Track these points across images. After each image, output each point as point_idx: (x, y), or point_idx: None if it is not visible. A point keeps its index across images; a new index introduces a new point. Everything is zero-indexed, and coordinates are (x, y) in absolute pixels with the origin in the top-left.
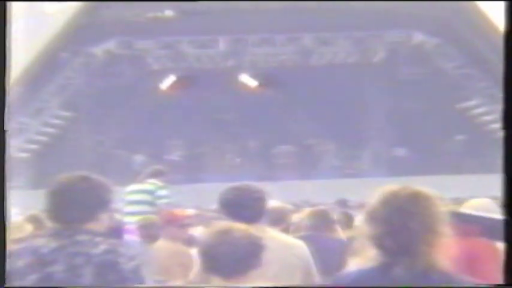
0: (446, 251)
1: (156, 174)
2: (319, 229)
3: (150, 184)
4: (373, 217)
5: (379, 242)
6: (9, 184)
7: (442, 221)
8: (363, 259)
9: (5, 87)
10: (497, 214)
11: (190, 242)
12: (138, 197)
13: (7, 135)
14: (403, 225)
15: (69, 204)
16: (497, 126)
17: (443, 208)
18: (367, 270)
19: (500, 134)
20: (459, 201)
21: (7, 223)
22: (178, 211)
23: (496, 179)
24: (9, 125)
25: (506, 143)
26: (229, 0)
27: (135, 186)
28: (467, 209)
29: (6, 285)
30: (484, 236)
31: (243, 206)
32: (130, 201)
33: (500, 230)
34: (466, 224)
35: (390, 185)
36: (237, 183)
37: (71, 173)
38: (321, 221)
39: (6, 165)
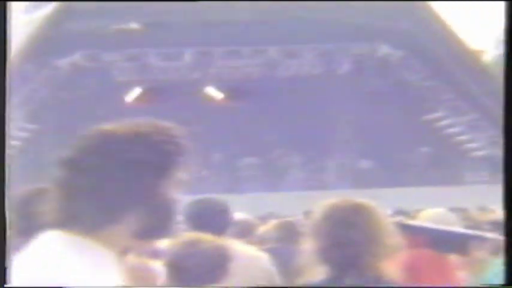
0: (394, 261)
1: None
2: (285, 241)
3: None
4: (317, 231)
5: (325, 255)
6: (9, 184)
7: (386, 232)
8: (312, 273)
9: (5, 87)
10: (451, 224)
11: (155, 254)
12: None
13: (7, 135)
14: (347, 238)
15: (30, 216)
16: (462, 138)
17: (387, 219)
18: (316, 284)
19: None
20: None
21: (7, 223)
22: None
23: (460, 190)
24: (10, 126)
25: (506, 143)
26: (225, 0)
27: None
28: (423, 219)
29: (6, 285)
30: (430, 247)
31: (208, 218)
32: None
33: (448, 240)
34: (413, 235)
35: (331, 199)
36: (201, 196)
37: (31, 185)
38: (287, 233)
39: (6, 165)
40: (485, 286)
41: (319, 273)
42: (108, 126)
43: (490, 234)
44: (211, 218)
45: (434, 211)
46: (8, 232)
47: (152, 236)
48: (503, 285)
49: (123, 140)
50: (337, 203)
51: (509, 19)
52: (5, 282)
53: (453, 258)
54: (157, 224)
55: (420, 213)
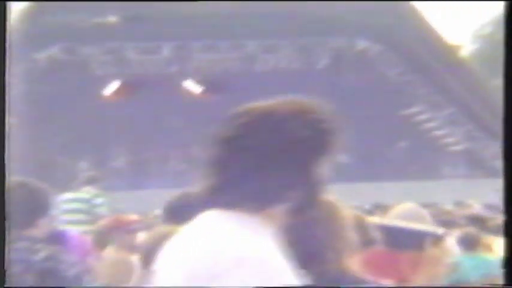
0: (356, 257)
1: (90, 181)
2: None
3: (86, 192)
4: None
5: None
6: (8, 183)
7: (348, 227)
8: None
9: (5, 87)
10: (422, 219)
11: (135, 247)
12: (73, 205)
13: (7, 134)
14: (308, 233)
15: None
16: (439, 133)
17: (350, 215)
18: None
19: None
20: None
21: (7, 223)
22: (125, 216)
23: (437, 185)
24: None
25: (506, 143)
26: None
27: (69, 194)
28: (394, 215)
29: (6, 285)
30: (384, 245)
31: (186, 211)
32: (66, 210)
33: (402, 237)
34: (390, 235)
35: None
36: (181, 190)
37: (7, 179)
38: None
39: (6, 165)
40: (485, 286)
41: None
42: (265, 104)
43: (443, 230)
44: (190, 211)
45: (403, 206)
46: (8, 232)
47: (305, 214)
48: (503, 285)
49: (284, 118)
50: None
51: (509, 19)
52: (4, 282)
53: (408, 255)
54: (312, 202)
55: (390, 210)
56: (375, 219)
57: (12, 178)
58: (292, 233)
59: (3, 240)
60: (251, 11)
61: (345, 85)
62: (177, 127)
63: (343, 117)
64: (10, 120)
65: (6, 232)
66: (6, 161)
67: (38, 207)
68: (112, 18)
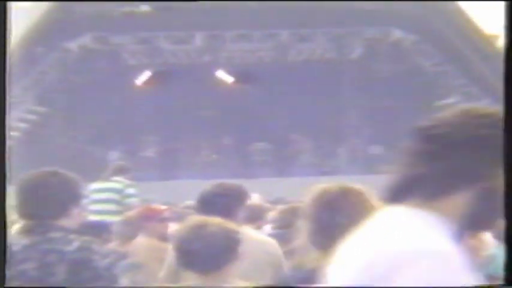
0: None
1: (120, 171)
2: (291, 226)
3: (117, 182)
4: (306, 214)
5: (312, 238)
6: (9, 184)
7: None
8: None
9: (5, 87)
10: None
11: (167, 237)
12: (105, 195)
13: (7, 132)
14: (333, 221)
15: (40, 200)
16: None
17: (377, 204)
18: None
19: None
20: None
21: (7, 223)
22: (156, 206)
23: None
24: (10, 123)
25: (506, 143)
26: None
27: (100, 184)
28: None
29: (6, 285)
30: None
31: (220, 202)
32: (97, 199)
33: None
34: None
35: (322, 183)
36: (216, 181)
37: (40, 168)
38: (293, 218)
39: (6, 165)
40: (485, 286)
41: (310, 260)
42: (467, 107)
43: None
44: (223, 202)
45: None
46: (8, 233)
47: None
48: (503, 285)
49: (480, 120)
50: (326, 187)
51: (509, 19)
52: (4, 282)
53: None
54: (488, 207)
55: None
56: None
57: (45, 168)
58: (318, 221)
59: (3, 240)
60: (284, 1)
61: (379, 76)
62: (208, 117)
63: (377, 108)
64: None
65: (7, 232)
66: (6, 161)
67: (70, 197)
68: (144, 8)
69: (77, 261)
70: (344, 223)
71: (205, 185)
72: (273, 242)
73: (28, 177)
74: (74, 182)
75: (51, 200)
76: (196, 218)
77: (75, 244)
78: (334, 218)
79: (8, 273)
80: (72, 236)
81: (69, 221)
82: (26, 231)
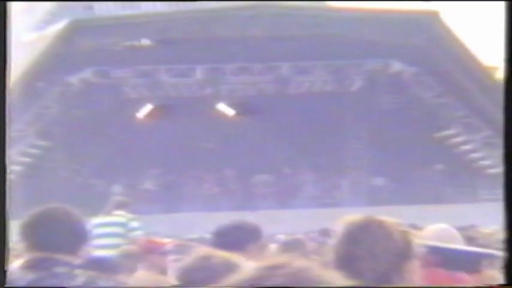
0: (415, 275)
1: (120, 206)
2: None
3: (121, 216)
4: (336, 248)
5: (347, 271)
6: (9, 185)
7: (408, 247)
8: None
9: (5, 87)
10: (454, 240)
11: (167, 271)
12: (110, 229)
13: (7, 136)
14: (369, 253)
15: (46, 237)
16: (475, 156)
17: (408, 235)
18: None
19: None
20: None
21: (7, 224)
22: (157, 239)
23: (474, 208)
24: (10, 125)
25: (506, 143)
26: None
27: (104, 218)
28: (425, 235)
29: (6, 285)
30: (441, 267)
31: (235, 237)
32: (101, 234)
33: (459, 259)
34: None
35: (352, 215)
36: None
37: (48, 205)
38: (295, 251)
39: (6, 166)
40: (485, 286)
41: None
42: None
43: (500, 252)
44: (239, 238)
45: (436, 227)
46: (8, 233)
47: None
48: (503, 285)
49: None
50: (357, 220)
51: (509, 19)
52: (4, 283)
53: (464, 277)
54: None
55: (423, 230)
56: (431, 242)
57: (51, 204)
58: (353, 253)
59: (3, 240)
60: (285, 33)
61: (379, 107)
62: (210, 150)
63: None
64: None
65: (7, 232)
66: (6, 163)
67: (76, 235)
68: (145, 41)
69: None
70: (382, 254)
71: (209, 218)
72: None
73: (36, 213)
74: (79, 219)
75: (57, 238)
76: (202, 250)
77: (80, 279)
78: (372, 249)
79: None
80: (77, 271)
81: (75, 258)
82: (31, 266)
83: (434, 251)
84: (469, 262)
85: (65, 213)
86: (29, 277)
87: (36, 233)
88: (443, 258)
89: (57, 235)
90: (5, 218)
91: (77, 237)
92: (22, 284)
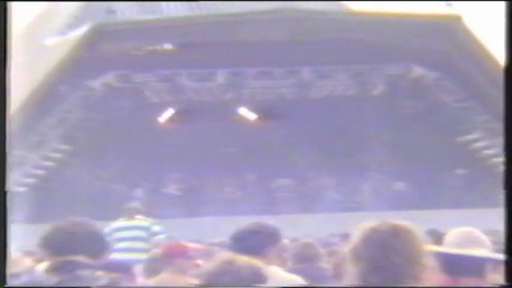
0: (431, 282)
1: (134, 212)
2: (307, 261)
3: (143, 220)
4: (356, 255)
5: (364, 279)
6: (10, 185)
7: (424, 254)
8: None
9: (6, 87)
10: (479, 244)
11: (191, 274)
12: (132, 233)
13: (8, 136)
14: (386, 261)
15: (70, 246)
16: (497, 160)
17: (424, 241)
18: None
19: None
20: None
21: (8, 224)
22: (184, 243)
23: (496, 213)
24: (11, 130)
25: (507, 143)
26: (229, 1)
27: (126, 222)
28: (449, 239)
29: (6, 285)
30: (445, 272)
31: (253, 240)
32: (124, 238)
33: (463, 264)
34: (450, 262)
35: (370, 222)
36: (251, 220)
37: (68, 217)
38: (308, 253)
39: (6, 167)
40: (486, 286)
41: None
42: None
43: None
44: (258, 241)
45: (460, 230)
46: (8, 232)
47: None
48: (503, 285)
49: None
50: (376, 226)
51: (509, 19)
52: (4, 283)
53: (469, 282)
54: None
55: (447, 234)
56: (433, 247)
57: (75, 218)
58: (370, 260)
59: (4, 240)
60: (306, 37)
61: (400, 112)
62: (231, 154)
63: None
64: (65, 147)
65: (7, 233)
66: (6, 163)
67: (97, 248)
68: (167, 46)
69: None
70: (398, 262)
71: (231, 223)
72: (299, 279)
73: (56, 227)
74: (100, 232)
75: (79, 246)
76: (225, 254)
77: (103, 281)
78: (389, 257)
79: None
80: (99, 273)
81: (97, 261)
82: (55, 269)
83: (439, 256)
84: (471, 267)
85: (83, 227)
86: (53, 280)
87: (58, 244)
88: (444, 263)
89: (79, 244)
90: (5, 219)
91: (98, 244)
92: (45, 286)
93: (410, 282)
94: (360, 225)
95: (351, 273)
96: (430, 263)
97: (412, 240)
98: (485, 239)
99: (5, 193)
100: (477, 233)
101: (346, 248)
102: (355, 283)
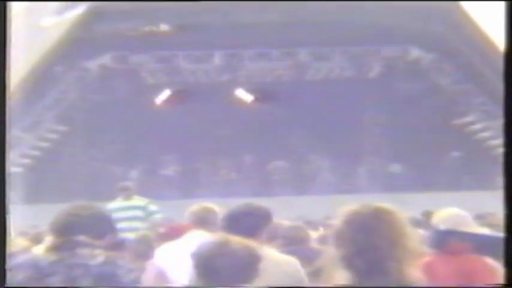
0: (417, 265)
1: (124, 191)
2: (297, 243)
3: (139, 200)
4: (339, 238)
5: (348, 262)
6: (9, 185)
7: (408, 236)
8: (334, 279)
9: (6, 87)
10: (466, 225)
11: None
12: (130, 213)
13: (7, 136)
14: (369, 244)
15: (74, 235)
16: (493, 143)
17: (408, 223)
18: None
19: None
20: None
21: (7, 223)
22: (184, 223)
23: (492, 195)
24: (10, 127)
25: (507, 143)
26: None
27: (122, 202)
28: (437, 220)
29: (6, 285)
30: (476, 253)
31: (245, 222)
32: (121, 218)
33: (489, 245)
34: (458, 241)
35: (351, 205)
36: (242, 202)
37: (74, 202)
38: (298, 235)
39: (6, 166)
40: (484, 286)
41: (341, 279)
42: None
43: None
44: (250, 222)
45: (448, 211)
46: (8, 233)
47: None
48: (503, 285)
49: None
50: (358, 209)
51: (509, 19)
52: (4, 282)
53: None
54: None
55: (434, 214)
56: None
57: (79, 201)
58: (353, 243)
59: (4, 240)
60: (303, 18)
61: (397, 94)
62: (227, 136)
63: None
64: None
65: (7, 232)
66: (6, 163)
67: (103, 232)
68: (164, 27)
69: (101, 275)
70: (381, 245)
71: (227, 205)
72: (294, 262)
73: (63, 211)
74: (107, 215)
75: (86, 232)
76: (218, 236)
77: (100, 258)
78: (372, 239)
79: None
80: (97, 251)
81: (99, 242)
82: (54, 248)
83: (464, 237)
84: (495, 247)
85: (89, 211)
86: (52, 258)
87: (65, 226)
88: (472, 244)
89: (86, 226)
90: (5, 218)
91: (101, 234)
92: (44, 265)
93: (394, 266)
94: (342, 208)
95: (334, 256)
96: (414, 245)
97: (394, 222)
98: (471, 220)
99: (4, 193)
100: (464, 213)
101: (329, 232)
102: (336, 265)
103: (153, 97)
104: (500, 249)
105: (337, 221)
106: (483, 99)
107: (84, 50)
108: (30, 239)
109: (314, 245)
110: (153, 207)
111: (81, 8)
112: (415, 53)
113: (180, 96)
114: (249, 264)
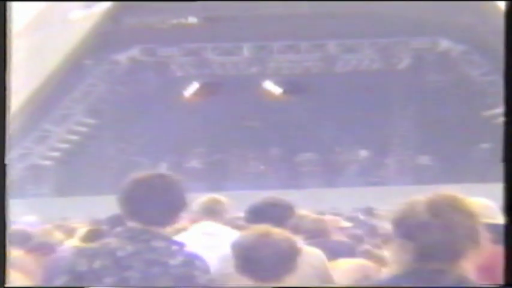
0: (478, 260)
1: None
2: (319, 236)
3: None
4: (421, 228)
5: (418, 251)
6: (9, 185)
7: (479, 230)
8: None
9: (6, 87)
10: (492, 216)
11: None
12: None
13: (7, 136)
14: (441, 234)
15: (147, 203)
16: None
17: (478, 216)
18: (400, 276)
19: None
20: None
21: (7, 223)
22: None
23: None
24: (10, 128)
25: (507, 143)
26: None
27: None
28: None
29: (6, 286)
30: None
31: (269, 214)
32: None
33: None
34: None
35: (417, 195)
36: (266, 195)
37: (145, 171)
38: (319, 228)
39: (6, 166)
40: (485, 286)
41: (401, 264)
42: None
43: None
44: (274, 215)
45: (475, 202)
46: (8, 232)
47: None
48: (503, 285)
49: None
50: (431, 198)
51: (509, 19)
52: (4, 282)
53: None
54: None
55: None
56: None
57: (148, 172)
58: (424, 233)
59: (4, 240)
60: (332, 10)
61: (427, 86)
62: (256, 128)
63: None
64: (90, 120)
65: (6, 232)
66: (6, 161)
67: (177, 200)
68: (192, 19)
69: (180, 276)
70: (454, 237)
71: (255, 197)
72: (319, 254)
73: (133, 179)
74: (180, 184)
75: (158, 203)
76: (260, 227)
77: (180, 258)
78: (445, 230)
79: (110, 279)
80: (175, 248)
81: (173, 227)
82: (129, 237)
83: (490, 228)
84: None
85: (163, 179)
86: (129, 249)
87: (134, 201)
88: (498, 236)
89: (156, 203)
90: (5, 219)
91: (176, 203)
92: (122, 255)
93: (461, 258)
94: (412, 197)
95: (401, 245)
96: (483, 239)
97: (470, 216)
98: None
99: (4, 193)
100: (491, 203)
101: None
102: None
103: (182, 90)
104: None
105: (410, 211)
106: None
107: (112, 43)
108: (64, 232)
109: (337, 237)
110: None
111: (109, 1)
112: (444, 44)
113: (209, 88)
114: (290, 256)
